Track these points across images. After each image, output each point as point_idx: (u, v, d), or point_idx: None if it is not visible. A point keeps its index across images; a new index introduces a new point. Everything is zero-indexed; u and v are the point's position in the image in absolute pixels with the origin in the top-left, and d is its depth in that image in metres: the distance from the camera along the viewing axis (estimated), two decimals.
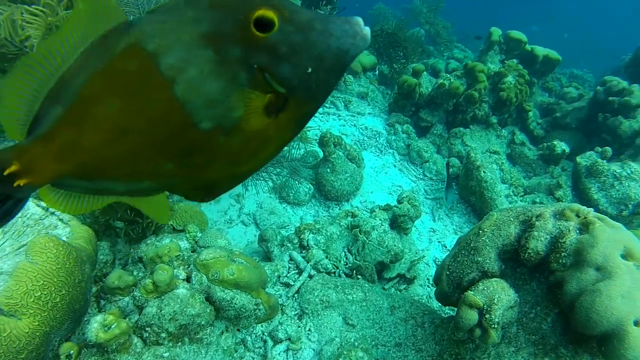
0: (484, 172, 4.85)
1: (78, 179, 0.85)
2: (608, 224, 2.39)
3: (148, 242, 2.89)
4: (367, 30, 0.81)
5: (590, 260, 2.22)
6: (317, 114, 5.56)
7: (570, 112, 6.70)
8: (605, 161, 5.35)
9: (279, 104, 0.82)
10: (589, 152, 5.59)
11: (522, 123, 6.60)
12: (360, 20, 0.81)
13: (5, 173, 0.79)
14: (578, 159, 5.48)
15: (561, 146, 5.82)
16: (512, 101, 5.97)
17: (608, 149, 5.55)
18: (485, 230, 2.69)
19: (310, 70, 0.80)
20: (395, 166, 5.44)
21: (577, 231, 2.38)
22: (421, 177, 5.41)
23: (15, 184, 0.80)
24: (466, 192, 5.09)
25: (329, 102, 5.98)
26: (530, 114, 6.55)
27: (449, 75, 6.12)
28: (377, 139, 5.75)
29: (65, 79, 0.78)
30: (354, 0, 8.06)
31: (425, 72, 6.39)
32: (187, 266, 2.62)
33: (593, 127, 6.47)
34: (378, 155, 5.53)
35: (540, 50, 7.14)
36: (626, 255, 2.24)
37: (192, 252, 2.97)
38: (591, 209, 2.52)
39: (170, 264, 2.58)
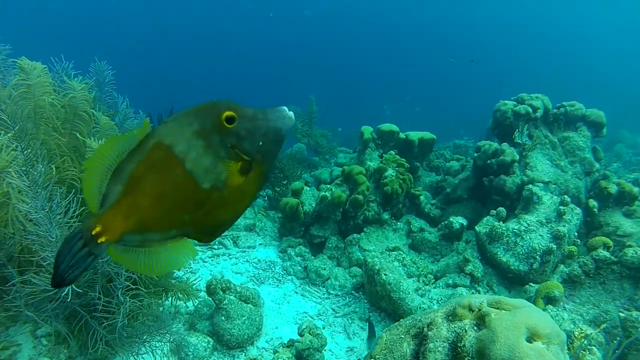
0: (385, 274, 4.80)
1: (134, 233, 1.28)
2: (506, 307, 2.30)
3: None
4: (291, 113, 1.32)
5: (495, 358, 2.10)
6: (206, 258, 5.47)
7: (458, 185, 6.93)
8: (501, 223, 5.48)
9: (247, 167, 1.31)
10: (485, 218, 5.73)
11: (416, 209, 6.73)
12: (285, 108, 1.32)
13: (93, 233, 1.22)
14: (477, 228, 5.59)
15: (458, 221, 5.93)
16: (398, 192, 6.09)
17: (501, 209, 5.71)
18: (377, 357, 2.54)
19: (261, 143, 1.29)
20: (297, 293, 5.29)
21: (475, 328, 2.27)
22: (326, 296, 5.28)
23: (99, 241, 1.22)
24: (375, 298, 4.99)
25: (217, 243, 5.87)
26: (422, 197, 6.70)
27: (329, 186, 6.19)
28: (273, 269, 5.64)
29: (119, 169, 1.25)
30: None
31: (308, 188, 6.45)
32: None
33: (483, 192, 6.69)
34: (277, 285, 5.38)
35: (414, 135, 7.45)
36: (532, 337, 2.14)
37: None
38: (484, 298, 2.43)
39: None
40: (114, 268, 3.43)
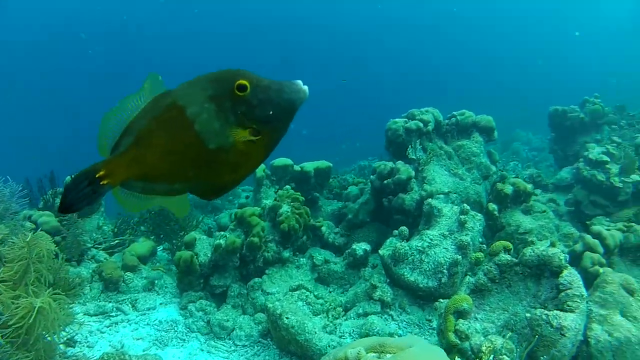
0: (286, 318, 4.65)
1: (138, 181, 1.44)
2: (390, 349, 2.22)
3: None
4: (305, 87, 1.42)
5: None
6: (104, 329, 5.20)
7: (359, 209, 6.90)
8: (404, 242, 5.43)
9: (255, 134, 1.41)
10: (388, 240, 5.69)
11: (320, 240, 6.61)
12: (300, 82, 1.43)
13: (97, 175, 1.39)
14: (380, 252, 5.54)
15: (361, 247, 5.87)
16: (295, 228, 5.96)
17: (403, 228, 5.68)
18: None
19: (271, 112, 1.39)
20: (202, 350, 5.06)
21: None
22: (233, 348, 5.07)
23: (101, 183, 1.39)
24: (282, 343, 4.83)
25: (114, 309, 5.50)
26: (323, 228, 6.60)
27: (223, 233, 5.98)
28: (176, 328, 5.37)
29: (133, 122, 1.42)
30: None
31: (205, 236, 6.22)
32: None
33: (384, 213, 6.66)
34: (182, 345, 5.13)
35: (309, 166, 7.40)
36: None
37: None
38: (361, 346, 2.30)
39: None
40: None
